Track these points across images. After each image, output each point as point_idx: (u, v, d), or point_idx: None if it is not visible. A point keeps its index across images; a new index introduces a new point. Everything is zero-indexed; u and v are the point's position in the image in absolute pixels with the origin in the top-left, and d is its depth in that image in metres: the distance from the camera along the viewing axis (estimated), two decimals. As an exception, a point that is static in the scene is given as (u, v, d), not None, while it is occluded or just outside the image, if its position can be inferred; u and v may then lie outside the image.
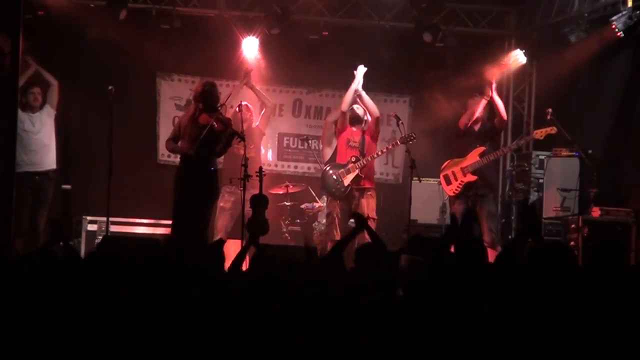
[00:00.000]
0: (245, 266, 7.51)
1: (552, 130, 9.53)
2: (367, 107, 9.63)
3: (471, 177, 9.48)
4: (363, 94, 9.64)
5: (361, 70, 9.68)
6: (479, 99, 9.59)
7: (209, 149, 8.51)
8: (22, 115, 9.65)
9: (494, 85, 9.58)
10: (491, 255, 9.12)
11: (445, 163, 9.69)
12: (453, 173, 9.56)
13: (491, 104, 9.56)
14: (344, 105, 9.71)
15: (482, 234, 9.34)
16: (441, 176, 9.69)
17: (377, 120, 9.67)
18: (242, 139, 8.76)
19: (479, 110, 9.54)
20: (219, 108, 8.66)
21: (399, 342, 3.89)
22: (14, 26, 8.71)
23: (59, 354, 3.97)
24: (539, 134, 9.61)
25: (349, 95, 9.69)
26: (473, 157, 9.51)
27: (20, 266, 4.71)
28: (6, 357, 3.94)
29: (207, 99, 8.48)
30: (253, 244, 6.54)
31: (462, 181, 9.51)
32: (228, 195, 10.00)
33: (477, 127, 9.61)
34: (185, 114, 8.72)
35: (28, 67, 9.85)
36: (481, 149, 9.52)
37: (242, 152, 9.64)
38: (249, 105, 10.17)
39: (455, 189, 9.54)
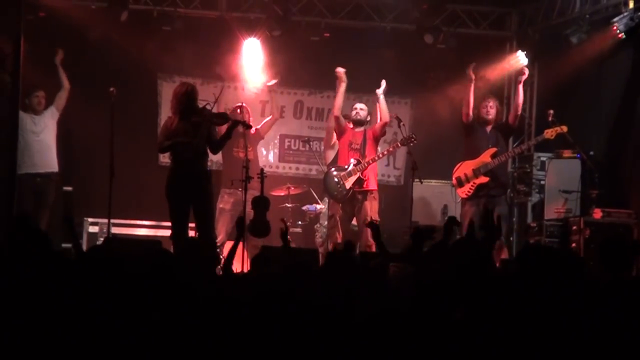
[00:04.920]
0: (246, 267, 7.53)
1: (563, 129, 9.49)
2: (382, 110, 9.66)
3: (483, 179, 9.46)
4: (381, 97, 9.65)
5: (340, 72, 9.71)
6: (467, 86, 9.63)
7: (204, 147, 8.47)
8: (24, 116, 9.66)
9: (471, 73, 9.60)
10: (496, 258, 9.18)
11: (457, 165, 9.67)
12: (465, 175, 9.54)
13: (501, 98, 9.60)
14: (335, 110, 9.77)
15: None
16: (453, 178, 9.67)
17: (384, 125, 9.70)
18: (248, 127, 8.78)
19: (471, 94, 9.56)
20: (207, 105, 8.66)
21: (400, 347, 3.89)
22: (16, 28, 8.74)
23: (58, 354, 3.97)
24: (550, 133, 9.57)
25: (338, 99, 9.75)
26: (485, 158, 9.50)
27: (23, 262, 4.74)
28: (5, 356, 3.94)
29: (191, 99, 8.43)
30: (283, 238, 6.51)
31: (474, 183, 9.48)
32: (228, 197, 9.99)
33: (488, 128, 9.60)
34: (170, 117, 8.62)
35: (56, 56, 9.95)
36: (492, 150, 9.51)
37: (241, 155, 9.67)
38: (247, 108, 10.19)
39: (468, 191, 9.52)
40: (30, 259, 4.77)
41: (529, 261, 4.45)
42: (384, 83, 9.71)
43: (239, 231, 6.48)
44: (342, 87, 9.74)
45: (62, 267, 4.82)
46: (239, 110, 9.72)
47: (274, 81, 10.53)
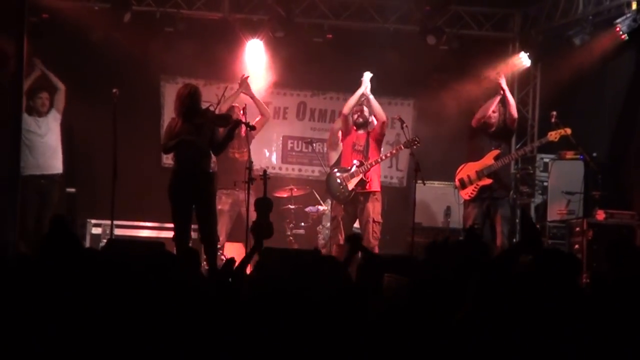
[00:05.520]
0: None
1: (567, 131, 9.48)
2: (374, 110, 9.66)
3: (487, 181, 9.45)
4: (371, 97, 9.67)
5: (367, 76, 9.72)
6: (494, 97, 9.59)
7: (207, 149, 8.49)
8: (28, 119, 9.68)
9: (503, 81, 9.59)
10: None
11: (460, 167, 9.66)
12: (468, 177, 9.53)
13: (503, 101, 9.58)
14: (346, 109, 9.77)
15: (494, 237, 9.34)
16: (456, 180, 9.67)
17: (383, 124, 9.70)
18: (252, 128, 8.80)
19: (493, 106, 9.51)
20: (210, 107, 8.68)
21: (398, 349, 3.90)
22: (19, 29, 8.74)
23: (59, 353, 3.98)
24: (554, 135, 9.56)
25: (352, 100, 9.74)
26: (488, 160, 9.49)
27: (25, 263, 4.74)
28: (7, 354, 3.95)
29: (194, 101, 8.44)
30: (257, 248, 6.56)
31: (477, 185, 9.48)
32: (225, 197, 9.97)
33: (491, 130, 9.59)
34: (173, 119, 8.64)
35: (33, 70, 9.88)
36: (496, 151, 9.51)
37: (236, 156, 9.71)
38: (240, 108, 10.19)
39: (471, 193, 9.51)
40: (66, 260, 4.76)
41: (545, 264, 4.48)
42: (365, 79, 9.68)
43: (257, 240, 6.52)
44: (361, 90, 9.70)
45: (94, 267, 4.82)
46: (241, 112, 9.70)
47: (241, 86, 10.29)
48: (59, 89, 10.06)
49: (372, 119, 9.77)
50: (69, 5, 10.73)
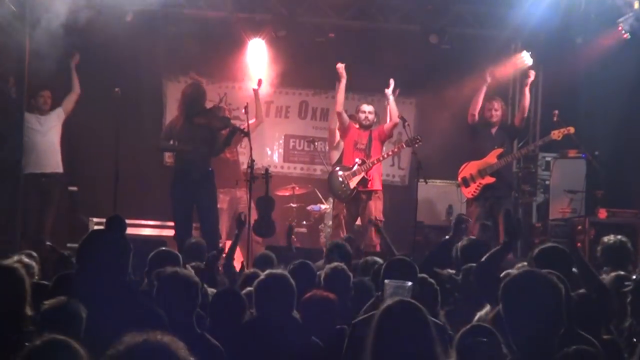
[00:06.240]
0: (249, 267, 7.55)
1: (570, 130, 9.50)
2: (392, 111, 9.72)
3: (489, 179, 9.47)
4: (391, 98, 9.72)
5: (340, 67, 9.76)
6: (479, 88, 9.65)
7: (207, 149, 8.52)
8: (30, 116, 9.67)
9: (488, 79, 9.62)
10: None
11: (463, 165, 9.68)
12: (471, 175, 9.55)
13: (506, 100, 9.63)
14: (338, 106, 9.81)
15: (497, 235, 9.34)
16: (459, 178, 9.68)
17: (394, 126, 9.75)
18: (247, 134, 8.80)
19: (480, 96, 9.57)
20: (214, 108, 8.73)
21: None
22: (21, 29, 8.76)
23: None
24: (557, 134, 9.58)
25: (340, 96, 9.83)
26: (491, 159, 9.51)
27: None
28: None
29: (197, 100, 8.48)
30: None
31: (480, 183, 9.49)
32: (223, 196, 10.00)
33: (493, 129, 9.61)
34: (176, 116, 8.69)
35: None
36: (499, 150, 9.53)
37: (227, 155, 9.73)
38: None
39: (474, 191, 9.53)
40: None
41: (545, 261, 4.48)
42: (392, 83, 9.74)
43: (239, 229, 6.56)
44: (343, 83, 9.79)
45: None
46: (244, 110, 9.70)
47: (256, 86, 10.36)
48: (74, 91, 10.06)
49: (376, 118, 9.84)
50: (71, 3, 10.71)
